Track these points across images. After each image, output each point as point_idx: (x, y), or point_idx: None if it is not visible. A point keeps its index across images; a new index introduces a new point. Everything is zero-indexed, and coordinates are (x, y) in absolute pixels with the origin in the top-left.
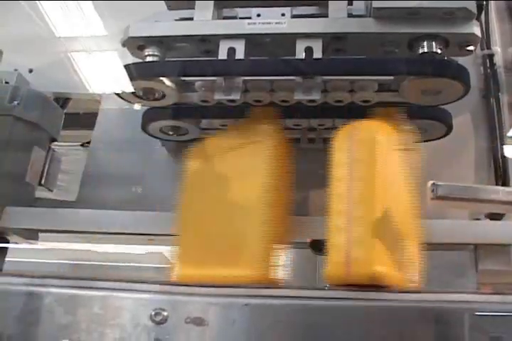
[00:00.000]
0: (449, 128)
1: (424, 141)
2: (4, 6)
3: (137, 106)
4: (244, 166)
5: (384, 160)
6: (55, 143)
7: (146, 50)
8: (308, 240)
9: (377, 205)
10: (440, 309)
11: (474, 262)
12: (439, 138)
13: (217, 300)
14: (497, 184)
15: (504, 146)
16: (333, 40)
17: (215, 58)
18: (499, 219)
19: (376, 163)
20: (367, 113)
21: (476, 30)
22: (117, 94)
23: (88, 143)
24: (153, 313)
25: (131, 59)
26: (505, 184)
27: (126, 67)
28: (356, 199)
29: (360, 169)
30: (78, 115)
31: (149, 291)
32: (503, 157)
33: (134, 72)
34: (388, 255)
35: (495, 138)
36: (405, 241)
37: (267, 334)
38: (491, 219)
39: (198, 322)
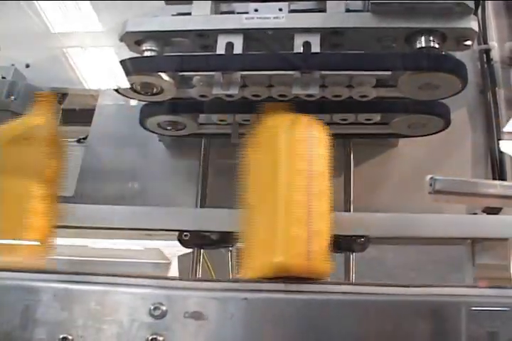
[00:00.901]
0: (447, 123)
1: (423, 136)
2: (1, 2)
3: (134, 102)
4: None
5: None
6: None
7: (144, 44)
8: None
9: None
10: (436, 303)
11: (471, 256)
12: (437, 133)
13: (215, 294)
14: (494, 178)
15: (501, 141)
16: (330, 35)
17: (213, 53)
18: (496, 214)
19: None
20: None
21: (474, 25)
22: (115, 90)
23: (84, 138)
24: (151, 308)
25: (129, 54)
26: (502, 178)
27: (125, 62)
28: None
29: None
30: (74, 111)
31: (148, 286)
32: (500, 152)
33: (132, 67)
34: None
35: (492, 133)
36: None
37: (265, 328)
38: (487, 213)
39: (197, 316)
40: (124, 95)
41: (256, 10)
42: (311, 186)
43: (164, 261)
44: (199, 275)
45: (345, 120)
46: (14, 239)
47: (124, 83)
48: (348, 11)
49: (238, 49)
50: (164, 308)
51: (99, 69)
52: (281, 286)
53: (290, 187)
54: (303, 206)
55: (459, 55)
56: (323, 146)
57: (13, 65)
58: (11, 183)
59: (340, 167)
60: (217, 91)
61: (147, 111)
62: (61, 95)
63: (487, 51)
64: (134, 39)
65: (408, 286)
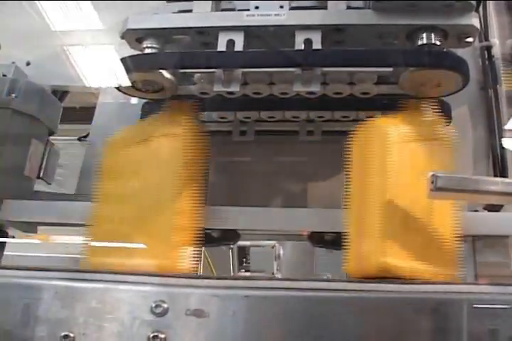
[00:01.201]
0: (448, 120)
1: None
2: (1, 1)
3: (135, 100)
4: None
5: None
6: (52, 137)
7: (145, 42)
8: (305, 233)
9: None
10: (437, 300)
11: (472, 254)
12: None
13: (217, 291)
14: (495, 176)
15: (503, 138)
16: (332, 32)
17: (214, 50)
18: (497, 211)
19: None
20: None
21: (475, 21)
22: (116, 88)
23: (85, 137)
24: (153, 305)
25: (129, 52)
26: (503, 175)
27: (126, 59)
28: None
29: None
30: (74, 109)
31: (149, 283)
32: (502, 149)
33: (133, 64)
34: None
35: (493, 130)
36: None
37: (267, 325)
38: (489, 210)
39: (198, 313)
40: (125, 93)
41: (257, 7)
42: None
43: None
44: (200, 272)
45: (346, 117)
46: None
47: (125, 81)
48: (349, 8)
49: (239, 46)
50: (166, 306)
51: (100, 67)
52: (282, 284)
53: None
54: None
55: (460, 51)
56: None
57: (13, 62)
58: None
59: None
60: (218, 88)
61: (148, 109)
62: (62, 93)
63: (488, 48)
64: (134, 36)
65: (409, 283)
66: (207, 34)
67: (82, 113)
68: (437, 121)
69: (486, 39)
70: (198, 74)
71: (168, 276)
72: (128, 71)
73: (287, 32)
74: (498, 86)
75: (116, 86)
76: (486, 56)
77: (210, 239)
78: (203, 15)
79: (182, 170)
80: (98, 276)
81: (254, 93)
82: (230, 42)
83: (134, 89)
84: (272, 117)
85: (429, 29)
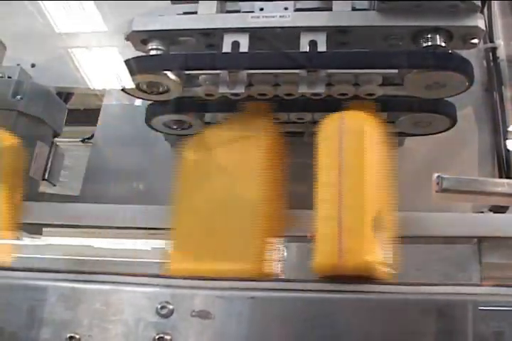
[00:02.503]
0: (454, 122)
1: (429, 134)
2: (6, 3)
3: (139, 102)
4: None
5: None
6: (56, 138)
7: (150, 43)
8: (310, 234)
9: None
10: (443, 301)
11: (478, 255)
12: (443, 131)
13: (222, 293)
14: (500, 177)
15: (507, 140)
16: (337, 34)
17: (218, 52)
18: (503, 212)
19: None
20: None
21: (480, 23)
22: (121, 89)
23: (89, 138)
24: (158, 307)
25: (134, 54)
26: (508, 177)
27: (131, 61)
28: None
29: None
30: (79, 111)
31: (154, 285)
32: (507, 150)
33: (138, 66)
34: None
35: (498, 132)
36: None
37: (272, 327)
38: (494, 212)
39: (204, 315)
40: (130, 94)
41: (261, 9)
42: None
43: (169, 261)
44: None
45: None
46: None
47: (130, 82)
48: (354, 9)
49: (244, 48)
50: (171, 307)
51: (105, 69)
52: (288, 285)
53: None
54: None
55: (465, 53)
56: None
57: (18, 64)
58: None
59: None
60: (223, 90)
61: (153, 111)
62: (66, 95)
63: (493, 49)
64: (139, 38)
65: (413, 285)
66: (212, 36)
67: (87, 115)
68: None
69: (491, 40)
70: (203, 76)
71: (174, 278)
72: (133, 73)
73: (292, 33)
74: (503, 87)
75: (121, 88)
76: (491, 57)
77: None
78: (208, 17)
79: (269, 173)
80: (103, 278)
81: (259, 94)
82: (235, 44)
83: (139, 90)
84: (277, 119)
85: (434, 30)
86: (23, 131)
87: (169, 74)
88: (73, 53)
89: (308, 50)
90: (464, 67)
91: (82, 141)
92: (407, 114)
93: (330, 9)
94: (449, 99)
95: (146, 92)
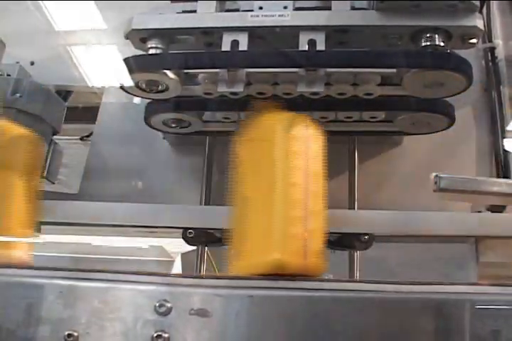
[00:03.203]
0: (452, 121)
1: (427, 134)
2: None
3: (137, 100)
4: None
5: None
6: (55, 137)
7: (149, 42)
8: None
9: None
10: (440, 300)
11: (475, 254)
12: (441, 131)
13: (221, 291)
14: (498, 177)
15: (505, 139)
16: (336, 33)
17: (218, 50)
18: (500, 212)
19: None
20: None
21: (479, 23)
22: (120, 87)
23: (88, 136)
24: (156, 305)
25: (133, 52)
26: (506, 176)
27: (130, 59)
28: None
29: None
30: (77, 109)
31: (153, 283)
32: (504, 150)
33: (137, 64)
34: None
35: (496, 131)
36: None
37: (270, 325)
38: (492, 211)
39: (202, 313)
40: (129, 93)
41: (261, 8)
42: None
43: (168, 259)
44: (203, 272)
45: (349, 118)
46: None
47: (129, 81)
48: (353, 8)
49: (243, 47)
50: (169, 305)
51: (104, 67)
52: (286, 284)
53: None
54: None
55: (463, 53)
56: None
57: (17, 62)
58: None
59: (345, 165)
60: (222, 88)
61: (152, 109)
62: (65, 93)
63: (492, 49)
64: (139, 36)
65: (411, 284)
66: (211, 34)
67: (85, 113)
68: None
69: (490, 40)
70: (202, 75)
71: (172, 276)
72: (132, 71)
73: (291, 32)
74: (501, 87)
75: (120, 86)
76: (490, 57)
77: (213, 239)
78: (207, 16)
79: (319, 171)
80: (102, 275)
81: (258, 93)
82: (234, 43)
83: (138, 89)
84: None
85: (433, 30)
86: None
87: (168, 72)
88: (72, 51)
89: (307, 49)
90: (462, 66)
91: (81, 138)
92: (405, 113)
93: (329, 8)
94: (448, 99)
95: (145, 91)
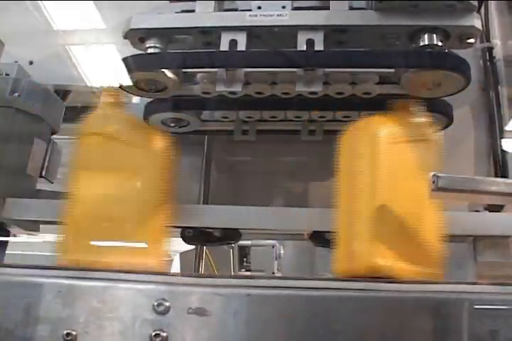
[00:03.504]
0: (450, 121)
1: None
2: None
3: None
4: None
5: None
6: (53, 136)
7: (148, 41)
8: (306, 233)
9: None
10: (438, 299)
11: (473, 254)
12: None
13: (219, 290)
14: (496, 176)
15: (503, 139)
16: (334, 33)
17: (216, 50)
18: (498, 211)
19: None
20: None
21: (477, 22)
22: (120, 87)
23: None
24: (155, 304)
25: (131, 51)
26: (504, 176)
27: (129, 59)
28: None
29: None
30: (76, 108)
31: (151, 282)
32: (502, 149)
33: (136, 64)
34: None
35: (494, 131)
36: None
37: (268, 324)
38: (490, 211)
39: (200, 312)
40: (127, 92)
41: (259, 7)
42: None
43: (166, 258)
44: (202, 271)
45: (348, 117)
46: None
47: (128, 80)
48: (351, 8)
49: (242, 46)
50: (167, 304)
51: (103, 67)
52: (284, 282)
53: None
54: None
55: (461, 52)
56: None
57: (16, 61)
58: None
59: None
60: (220, 88)
61: (151, 108)
62: (64, 92)
63: (490, 49)
64: (137, 36)
65: (410, 283)
66: (209, 34)
67: (84, 112)
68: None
69: (488, 40)
70: (201, 74)
71: (170, 275)
72: (131, 71)
73: (289, 32)
74: (499, 87)
75: (119, 85)
76: (488, 57)
77: (212, 238)
78: (205, 15)
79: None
80: (100, 275)
81: (257, 93)
82: (233, 42)
83: (136, 88)
84: (274, 117)
85: (431, 30)
86: (20, 128)
87: (167, 72)
88: (71, 51)
89: (305, 48)
90: (460, 66)
91: None
92: None
93: (327, 8)
94: (446, 99)
95: (143, 90)
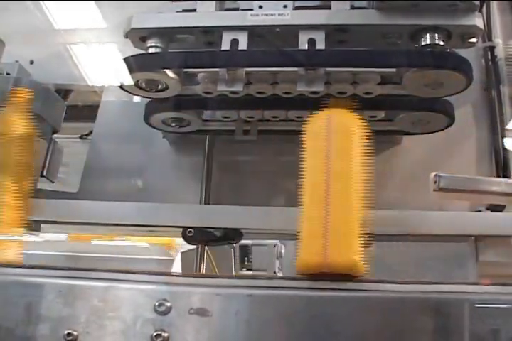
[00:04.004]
0: (452, 120)
1: (427, 133)
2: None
3: (137, 99)
4: None
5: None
6: (54, 135)
7: (149, 41)
8: None
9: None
10: (439, 299)
11: (475, 254)
12: (441, 130)
13: (220, 290)
14: (498, 176)
15: (505, 138)
16: (335, 32)
17: (217, 49)
18: (500, 211)
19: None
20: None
21: (479, 22)
22: (120, 86)
23: (87, 135)
24: (156, 304)
25: (132, 51)
26: (506, 176)
27: (130, 58)
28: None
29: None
30: (77, 107)
31: (153, 282)
32: (504, 149)
33: (137, 63)
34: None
35: (496, 131)
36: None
37: (269, 324)
38: (491, 210)
39: (201, 312)
40: (128, 91)
41: (260, 7)
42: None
43: (167, 258)
44: (203, 271)
45: None
46: None
47: (129, 79)
48: (353, 8)
49: (243, 46)
50: (169, 304)
51: (103, 66)
52: (285, 283)
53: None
54: None
55: (463, 52)
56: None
57: (17, 61)
58: None
59: None
60: (221, 88)
61: (152, 108)
62: (65, 91)
63: (491, 48)
64: (139, 35)
65: (411, 283)
66: (211, 33)
67: (84, 111)
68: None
69: (490, 39)
70: (202, 74)
71: (172, 275)
72: (132, 70)
73: (291, 32)
74: (501, 86)
75: (120, 84)
76: (489, 56)
77: (213, 237)
78: (206, 15)
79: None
80: (101, 275)
81: (258, 92)
82: (234, 42)
83: (137, 88)
84: (276, 117)
85: (433, 29)
86: None
87: (168, 72)
88: (72, 50)
89: (306, 48)
90: (462, 66)
91: (81, 137)
92: (405, 112)
93: (329, 8)
94: (448, 98)
95: (144, 90)
